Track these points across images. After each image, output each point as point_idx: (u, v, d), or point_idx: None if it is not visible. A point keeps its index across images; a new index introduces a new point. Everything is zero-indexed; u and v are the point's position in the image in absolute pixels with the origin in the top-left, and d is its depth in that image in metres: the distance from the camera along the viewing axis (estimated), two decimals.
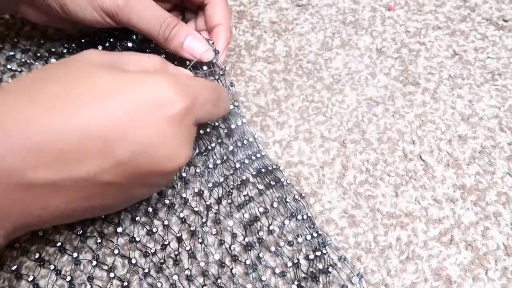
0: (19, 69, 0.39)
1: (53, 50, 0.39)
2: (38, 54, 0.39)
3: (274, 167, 0.34)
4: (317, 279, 0.29)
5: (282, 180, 0.33)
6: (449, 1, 0.45)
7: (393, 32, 0.43)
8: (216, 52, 0.34)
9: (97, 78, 0.23)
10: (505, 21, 0.43)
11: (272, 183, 0.33)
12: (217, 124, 0.35)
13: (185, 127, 0.25)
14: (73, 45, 0.39)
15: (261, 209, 0.32)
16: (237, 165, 0.33)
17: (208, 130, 0.35)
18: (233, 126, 0.34)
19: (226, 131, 0.34)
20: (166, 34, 0.32)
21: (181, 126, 0.24)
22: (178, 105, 0.24)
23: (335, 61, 0.41)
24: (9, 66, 0.39)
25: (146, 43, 0.36)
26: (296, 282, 0.29)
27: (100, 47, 0.36)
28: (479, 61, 0.41)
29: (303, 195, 0.33)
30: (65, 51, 0.39)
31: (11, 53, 0.39)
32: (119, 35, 0.37)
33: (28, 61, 0.39)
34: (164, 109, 0.23)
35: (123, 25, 0.33)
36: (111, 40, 0.37)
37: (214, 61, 0.34)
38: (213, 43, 0.34)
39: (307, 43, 0.42)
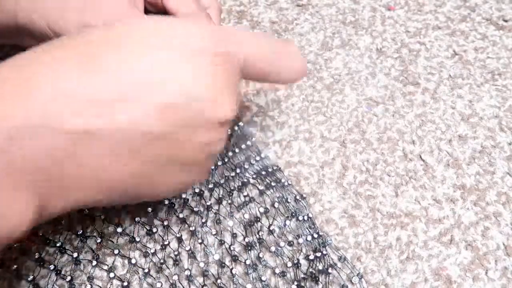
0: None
1: None
2: None
3: (275, 168, 0.34)
4: (317, 279, 0.29)
5: (283, 180, 0.33)
6: (449, 1, 0.45)
7: (393, 32, 0.43)
8: None
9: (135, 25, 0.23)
10: (505, 21, 0.43)
11: (273, 183, 0.33)
12: None
13: (226, 72, 0.24)
14: None
15: (262, 209, 0.32)
16: (237, 170, 0.33)
17: None
18: (235, 128, 0.34)
19: (229, 131, 0.35)
20: None
21: (221, 67, 0.23)
22: (211, 44, 0.23)
23: (335, 61, 0.41)
24: None
25: None
26: (296, 282, 0.29)
27: None
28: (479, 61, 0.41)
29: (304, 195, 0.33)
30: None
31: (11, 53, 0.39)
32: None
33: None
34: (199, 51, 0.23)
35: None
36: None
37: None
38: None
39: (307, 43, 0.42)
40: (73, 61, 0.21)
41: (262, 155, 0.34)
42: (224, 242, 0.31)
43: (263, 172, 0.34)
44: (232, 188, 0.33)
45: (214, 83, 0.23)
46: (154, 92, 0.21)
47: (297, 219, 0.32)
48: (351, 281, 0.30)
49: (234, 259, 0.30)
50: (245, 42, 0.26)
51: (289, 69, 0.28)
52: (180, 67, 0.22)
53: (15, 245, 0.30)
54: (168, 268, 0.30)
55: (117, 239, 0.31)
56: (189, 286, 0.29)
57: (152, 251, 0.30)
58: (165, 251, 0.31)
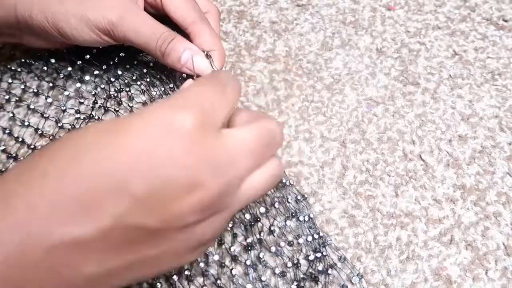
0: (18, 69, 0.39)
1: (53, 50, 0.39)
2: (39, 54, 0.39)
3: None
4: (317, 279, 0.29)
5: (284, 180, 0.33)
6: (449, 1, 0.45)
7: (393, 32, 0.43)
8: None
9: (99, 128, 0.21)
10: (505, 21, 0.43)
11: None
12: None
13: (203, 146, 0.21)
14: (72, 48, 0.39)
15: (262, 209, 0.32)
16: None
17: None
18: None
19: None
20: (163, 48, 0.32)
21: (198, 145, 0.21)
22: (188, 125, 0.21)
23: (335, 61, 0.41)
24: (9, 66, 0.39)
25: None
26: (295, 282, 0.29)
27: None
28: (479, 61, 0.41)
29: (305, 196, 0.33)
30: (65, 50, 0.39)
31: (11, 53, 0.39)
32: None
33: (28, 61, 0.39)
34: (175, 135, 0.21)
35: (120, 41, 0.33)
36: None
37: None
38: (210, 56, 0.33)
39: (307, 43, 0.42)
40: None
41: None
42: (224, 242, 0.31)
43: None
44: None
45: (192, 167, 0.21)
46: (126, 183, 0.20)
47: (298, 219, 0.32)
48: (351, 281, 0.30)
49: (234, 259, 0.30)
50: (203, 93, 0.23)
51: (234, 94, 0.26)
52: (155, 158, 0.20)
53: None
54: None
55: None
56: (189, 286, 0.29)
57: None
58: None
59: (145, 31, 0.32)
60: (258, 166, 0.24)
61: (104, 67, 0.38)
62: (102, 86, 0.37)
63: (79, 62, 0.38)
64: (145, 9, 0.35)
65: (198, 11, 0.35)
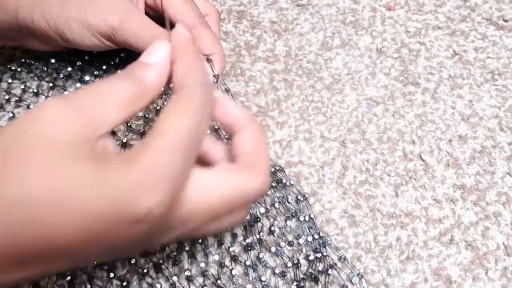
0: (18, 69, 0.39)
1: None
2: (39, 54, 0.39)
3: (277, 167, 0.34)
4: (317, 279, 0.29)
5: (284, 180, 0.33)
6: (449, 1, 0.45)
7: (393, 32, 0.43)
8: (216, 77, 0.34)
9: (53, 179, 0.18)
10: (505, 21, 0.43)
11: (273, 184, 0.33)
12: (217, 126, 0.35)
13: (85, 163, 0.19)
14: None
15: (262, 210, 0.32)
16: None
17: (208, 132, 0.35)
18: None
19: (227, 135, 0.35)
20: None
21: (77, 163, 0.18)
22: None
23: (335, 61, 0.41)
24: (8, 66, 0.39)
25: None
26: (295, 283, 0.29)
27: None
28: (479, 61, 0.41)
29: (306, 196, 0.33)
30: (65, 51, 0.39)
31: (11, 53, 0.39)
32: None
33: (28, 61, 0.39)
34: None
35: (121, 45, 0.33)
36: None
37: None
38: (210, 60, 0.33)
39: (307, 43, 0.42)
40: None
41: None
42: (224, 242, 0.31)
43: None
44: None
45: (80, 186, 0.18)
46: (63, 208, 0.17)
47: (298, 219, 0.32)
48: (351, 281, 0.30)
49: (234, 259, 0.30)
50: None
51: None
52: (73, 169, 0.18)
53: None
54: (167, 269, 0.30)
55: None
56: (189, 286, 0.29)
57: (151, 251, 0.30)
58: (165, 251, 0.31)
59: (146, 35, 0.31)
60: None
61: (104, 67, 0.38)
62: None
63: (78, 63, 0.38)
64: (146, 13, 0.35)
65: (198, 14, 0.35)
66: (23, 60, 0.39)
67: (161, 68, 0.23)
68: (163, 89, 0.27)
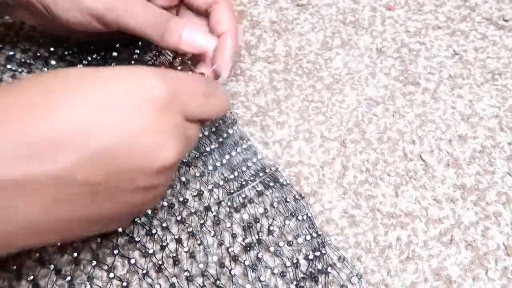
0: (19, 69, 0.39)
1: (53, 50, 0.39)
2: (38, 54, 0.39)
3: (273, 168, 0.34)
4: (317, 279, 0.29)
5: (281, 180, 0.33)
6: (449, 1, 0.45)
7: (393, 32, 0.43)
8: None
9: (69, 77, 0.21)
10: (505, 20, 0.43)
11: (271, 184, 0.33)
12: (216, 125, 0.35)
13: (170, 116, 0.23)
14: (74, 48, 0.39)
15: (261, 210, 0.32)
16: (235, 173, 0.33)
17: (206, 133, 0.35)
18: (230, 131, 0.35)
19: (225, 135, 0.35)
20: (161, 31, 0.31)
21: (164, 114, 0.22)
22: (158, 91, 0.22)
23: (335, 61, 0.41)
24: (9, 66, 0.39)
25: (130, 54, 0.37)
26: (295, 282, 0.29)
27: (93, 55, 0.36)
28: (479, 61, 0.41)
29: (303, 195, 0.33)
30: (65, 52, 0.39)
31: (11, 53, 0.39)
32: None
33: (28, 61, 0.39)
34: (143, 95, 0.22)
35: (112, 27, 0.31)
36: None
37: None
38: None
39: (307, 43, 0.42)
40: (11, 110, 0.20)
41: (259, 157, 0.34)
42: (223, 242, 0.31)
43: (261, 174, 0.34)
44: (231, 189, 0.33)
45: (155, 131, 0.22)
46: (89, 139, 0.20)
47: (297, 219, 0.32)
48: (350, 281, 0.30)
49: (234, 259, 0.30)
50: (187, 81, 0.25)
51: (219, 108, 0.28)
52: (118, 113, 0.21)
53: None
54: (167, 269, 0.30)
55: (117, 239, 0.31)
56: (189, 287, 0.29)
57: (151, 251, 0.30)
58: (165, 252, 0.31)
59: (140, 14, 0.30)
60: None
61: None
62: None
63: (79, 66, 0.38)
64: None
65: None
66: (23, 60, 0.39)
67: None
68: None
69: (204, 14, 0.35)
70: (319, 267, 0.30)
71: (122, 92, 0.21)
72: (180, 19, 0.32)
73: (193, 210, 0.32)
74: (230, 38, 0.33)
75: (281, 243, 0.31)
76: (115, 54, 0.37)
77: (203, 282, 0.30)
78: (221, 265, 0.30)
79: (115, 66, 0.23)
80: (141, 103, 0.21)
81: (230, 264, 0.30)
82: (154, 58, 0.37)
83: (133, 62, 0.38)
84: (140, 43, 0.37)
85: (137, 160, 0.22)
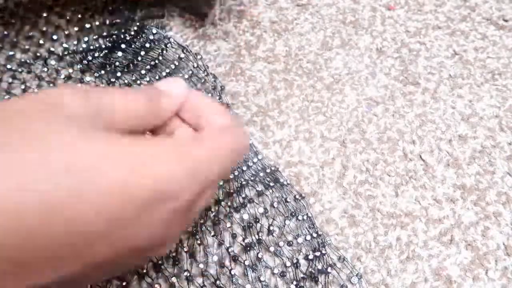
0: (19, 69, 0.39)
1: (53, 50, 0.39)
2: (38, 54, 0.39)
3: (273, 168, 0.34)
4: (317, 279, 0.29)
5: (282, 180, 0.33)
6: (449, 1, 0.45)
7: (393, 32, 0.43)
8: (222, 88, 0.34)
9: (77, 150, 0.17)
10: (505, 20, 0.43)
11: (271, 184, 0.33)
12: None
13: (189, 214, 0.20)
14: (73, 48, 0.39)
15: (261, 210, 0.32)
16: (235, 173, 0.33)
17: None
18: None
19: None
20: None
21: (185, 216, 0.20)
22: (182, 197, 0.19)
23: (335, 61, 0.41)
24: (9, 66, 0.39)
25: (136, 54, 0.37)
26: (295, 282, 0.29)
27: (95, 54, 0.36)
28: (479, 61, 0.41)
29: (303, 195, 0.33)
30: (65, 52, 0.39)
31: (11, 53, 0.39)
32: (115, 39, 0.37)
33: (28, 61, 0.39)
34: (165, 203, 0.19)
35: None
36: (107, 44, 0.38)
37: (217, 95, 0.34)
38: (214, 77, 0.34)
39: (307, 43, 0.42)
40: None
41: (259, 157, 0.34)
42: (223, 242, 0.31)
43: (261, 174, 0.34)
44: (231, 189, 0.33)
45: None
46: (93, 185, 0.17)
47: (297, 219, 0.32)
48: (350, 281, 0.30)
49: (234, 259, 0.30)
50: (215, 166, 0.21)
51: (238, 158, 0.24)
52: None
53: None
54: (167, 269, 0.30)
55: None
56: (189, 287, 0.29)
57: None
58: None
59: None
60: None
61: (103, 72, 0.38)
62: (103, 86, 0.37)
63: (79, 66, 0.38)
64: None
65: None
66: (23, 60, 0.39)
67: (176, 98, 0.24)
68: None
69: None
70: (319, 267, 0.30)
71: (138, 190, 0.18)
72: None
73: None
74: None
75: (281, 243, 0.31)
76: (119, 54, 0.37)
77: (203, 282, 0.30)
78: (221, 265, 0.30)
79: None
80: (161, 214, 0.19)
81: (230, 264, 0.30)
82: (160, 56, 0.37)
83: (135, 62, 0.38)
84: (146, 44, 0.37)
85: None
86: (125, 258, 0.19)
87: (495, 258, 0.31)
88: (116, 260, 0.19)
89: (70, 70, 0.38)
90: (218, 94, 0.36)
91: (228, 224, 0.32)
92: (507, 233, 0.32)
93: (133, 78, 0.38)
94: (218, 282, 0.29)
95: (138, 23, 0.40)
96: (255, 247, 0.31)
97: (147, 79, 0.37)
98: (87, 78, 0.37)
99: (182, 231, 0.23)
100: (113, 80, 0.37)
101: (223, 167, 0.22)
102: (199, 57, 0.38)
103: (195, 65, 0.37)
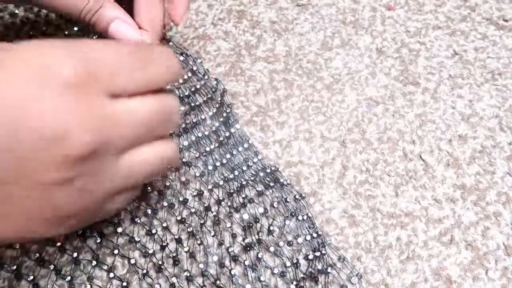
0: None
1: None
2: None
3: (273, 168, 0.34)
4: (317, 279, 0.29)
5: (282, 180, 0.33)
6: (449, 1, 0.45)
7: (393, 32, 0.43)
8: (224, 91, 0.34)
9: None
10: (505, 20, 0.43)
11: (271, 184, 0.33)
12: (217, 125, 0.35)
13: (81, 98, 0.20)
14: None
15: (261, 210, 0.32)
16: (236, 173, 0.33)
17: (206, 133, 0.35)
18: (232, 130, 0.35)
19: (227, 133, 0.35)
20: (88, 18, 0.29)
21: (74, 95, 0.20)
22: (67, 70, 0.20)
23: (335, 61, 0.41)
24: None
25: None
26: (295, 282, 0.29)
27: None
28: (479, 61, 0.41)
29: (303, 195, 0.33)
30: None
31: None
32: None
33: None
34: (49, 75, 0.19)
35: (42, 7, 0.30)
36: None
37: (194, 67, 0.34)
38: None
39: (307, 43, 0.42)
40: None
41: (259, 157, 0.34)
42: (223, 242, 0.31)
43: (261, 174, 0.34)
44: (231, 189, 0.33)
45: (59, 116, 0.19)
46: None
47: (297, 219, 0.32)
48: (350, 281, 0.30)
49: (234, 259, 0.30)
50: (107, 54, 0.22)
51: (165, 73, 0.25)
52: (17, 96, 0.19)
53: (15, 245, 0.30)
54: (167, 269, 0.30)
55: (117, 239, 0.31)
56: (188, 287, 0.29)
57: (151, 251, 0.30)
58: (165, 252, 0.31)
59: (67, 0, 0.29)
60: (145, 142, 0.24)
61: None
62: None
63: None
64: None
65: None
66: None
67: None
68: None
69: None
70: (319, 267, 0.30)
71: (26, 72, 0.19)
72: (108, 10, 0.30)
73: (193, 210, 0.32)
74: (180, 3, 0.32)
75: (281, 243, 0.31)
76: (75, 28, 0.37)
77: (203, 282, 0.30)
78: (221, 265, 0.30)
79: (28, 42, 0.21)
80: (46, 84, 0.19)
81: (230, 264, 0.30)
82: None
83: None
84: None
85: (37, 151, 0.19)
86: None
87: (495, 258, 0.31)
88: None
89: None
90: (219, 96, 0.36)
91: (228, 224, 0.32)
92: (507, 233, 0.32)
93: None
94: (218, 282, 0.29)
95: None
96: (255, 247, 0.31)
97: None
98: None
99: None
100: None
101: (120, 55, 0.23)
102: (199, 61, 0.38)
103: (195, 69, 0.37)
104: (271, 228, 0.31)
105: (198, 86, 0.37)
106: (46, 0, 0.28)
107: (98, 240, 0.31)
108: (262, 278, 0.30)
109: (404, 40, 0.42)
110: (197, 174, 0.34)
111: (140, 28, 0.31)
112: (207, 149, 0.34)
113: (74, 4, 0.28)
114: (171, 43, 0.35)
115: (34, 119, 0.19)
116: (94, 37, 0.36)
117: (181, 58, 0.35)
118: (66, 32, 0.40)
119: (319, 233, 0.31)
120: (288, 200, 0.32)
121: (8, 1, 0.30)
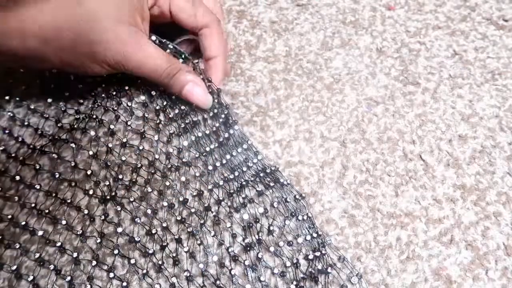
0: (21, 70, 0.39)
1: None
2: None
3: (273, 168, 0.34)
4: (317, 279, 0.29)
5: (282, 180, 0.33)
6: (449, 1, 0.45)
7: (393, 32, 0.43)
8: (219, 91, 0.35)
9: None
10: (505, 20, 0.43)
11: (272, 184, 0.33)
12: (217, 125, 0.35)
13: None
14: None
15: (261, 210, 0.32)
16: (236, 173, 0.33)
17: (207, 132, 0.35)
18: (231, 131, 0.35)
19: (226, 134, 0.35)
20: (166, 81, 0.34)
21: None
22: None
23: (335, 61, 0.41)
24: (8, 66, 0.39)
25: None
26: (295, 282, 0.29)
27: None
28: (479, 61, 0.41)
29: (303, 195, 0.33)
30: None
31: None
32: None
33: None
34: None
35: (130, 74, 0.34)
36: None
37: (215, 98, 0.35)
38: (220, 90, 0.36)
39: (307, 43, 0.42)
40: None
41: (259, 157, 0.34)
42: (223, 242, 0.31)
43: (261, 174, 0.34)
44: (231, 189, 0.33)
45: None
46: None
47: (297, 219, 0.32)
48: (350, 281, 0.30)
49: (234, 259, 0.30)
50: None
51: None
52: None
53: (15, 245, 0.30)
54: (167, 269, 0.30)
55: (117, 239, 0.31)
56: (188, 287, 0.29)
57: (151, 251, 0.30)
58: (165, 252, 0.31)
59: (149, 67, 0.33)
60: None
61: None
62: (103, 85, 0.37)
63: (80, 86, 0.37)
64: (157, 19, 0.35)
65: (207, 16, 0.36)
66: None
67: None
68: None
69: (195, 33, 0.38)
70: (319, 267, 0.30)
71: None
72: (183, 73, 0.34)
73: (193, 210, 0.32)
74: (220, 63, 0.37)
75: (281, 243, 0.31)
76: None
77: (203, 282, 0.30)
78: (221, 265, 0.30)
79: None
80: None
81: (230, 264, 0.30)
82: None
83: None
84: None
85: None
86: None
87: (495, 258, 0.31)
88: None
89: None
90: (216, 97, 0.36)
91: (228, 224, 0.32)
92: (507, 233, 0.32)
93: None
94: (218, 282, 0.29)
95: None
96: (255, 247, 0.31)
97: None
98: (88, 78, 0.37)
99: None
100: (113, 80, 0.37)
101: None
102: (199, 65, 0.38)
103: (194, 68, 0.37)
104: (271, 228, 0.31)
105: None
106: (136, 69, 0.33)
107: (98, 240, 0.31)
108: (262, 278, 0.30)
109: (404, 40, 0.42)
110: (197, 174, 0.34)
111: (212, 57, 0.37)
112: (207, 149, 0.34)
113: (155, 69, 0.33)
114: (171, 46, 0.35)
115: None
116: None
117: (181, 60, 0.35)
118: None
119: (319, 233, 0.31)
120: (288, 200, 0.32)
121: (96, 74, 0.34)
